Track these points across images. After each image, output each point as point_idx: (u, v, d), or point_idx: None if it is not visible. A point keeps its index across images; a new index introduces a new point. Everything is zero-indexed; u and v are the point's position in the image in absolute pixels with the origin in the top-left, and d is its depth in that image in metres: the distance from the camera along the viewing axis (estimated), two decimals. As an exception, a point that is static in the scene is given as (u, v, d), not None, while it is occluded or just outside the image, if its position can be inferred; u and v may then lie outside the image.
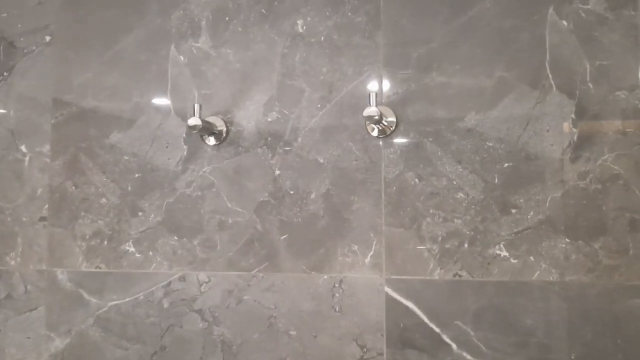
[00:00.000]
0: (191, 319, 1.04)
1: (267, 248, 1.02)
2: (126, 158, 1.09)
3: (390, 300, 0.95)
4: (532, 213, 0.91)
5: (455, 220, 0.94)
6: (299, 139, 1.01)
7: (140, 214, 1.08)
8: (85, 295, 1.10)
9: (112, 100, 1.10)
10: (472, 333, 0.91)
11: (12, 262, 1.14)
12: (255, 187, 1.03)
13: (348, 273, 0.98)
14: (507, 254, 0.91)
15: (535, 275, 0.90)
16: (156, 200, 1.07)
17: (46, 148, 1.13)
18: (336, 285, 0.98)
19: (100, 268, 1.09)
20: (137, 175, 1.08)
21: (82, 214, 1.10)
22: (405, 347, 0.94)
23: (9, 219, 1.15)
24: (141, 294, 1.07)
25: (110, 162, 1.09)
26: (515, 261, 0.91)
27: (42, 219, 1.13)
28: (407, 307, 0.94)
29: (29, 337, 1.12)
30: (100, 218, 1.09)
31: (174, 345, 1.04)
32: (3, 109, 1.16)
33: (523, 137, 0.92)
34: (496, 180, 0.92)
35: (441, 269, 0.94)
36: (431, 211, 0.95)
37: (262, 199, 1.02)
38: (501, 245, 0.92)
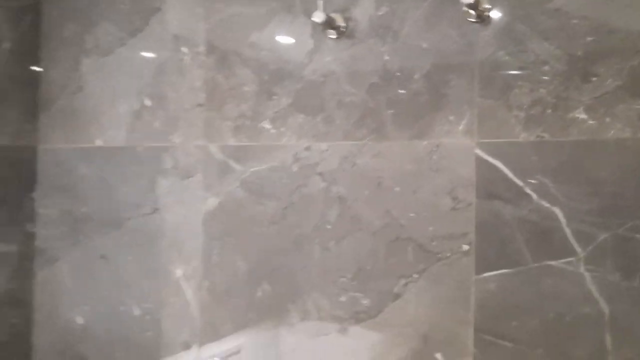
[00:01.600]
0: (314, 181, 1.28)
1: (376, 121, 1.22)
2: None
3: (480, 160, 1.12)
4: (610, 80, 1.03)
5: (540, 90, 1.08)
6: (405, 29, 1.20)
7: (274, 97, 1.33)
8: (232, 164, 1.38)
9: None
10: (550, 185, 1.07)
11: (177, 140, 1.45)
12: (368, 71, 1.23)
13: (444, 139, 1.16)
14: (585, 117, 1.05)
15: (611, 133, 1.03)
16: (287, 86, 1.31)
17: (202, 48, 1.42)
18: (434, 149, 1.17)
19: (243, 142, 1.36)
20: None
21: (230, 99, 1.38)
22: (491, 198, 1.11)
23: (174, 106, 1.45)
24: (275, 161, 1.33)
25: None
26: (593, 122, 1.04)
27: (199, 105, 1.42)
28: (494, 166, 1.11)
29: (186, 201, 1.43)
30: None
31: (301, 201, 1.30)
32: (168, 16, 1.46)
33: (606, 12, 1.03)
34: (579, 53, 1.05)
35: (526, 132, 1.09)
36: (519, 83, 1.10)
37: (373, 81, 1.23)
38: (581, 109, 1.05)
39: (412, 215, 1.18)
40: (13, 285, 1.62)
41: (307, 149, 1.29)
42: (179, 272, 1.45)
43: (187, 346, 1.43)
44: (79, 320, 1.59)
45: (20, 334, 1.64)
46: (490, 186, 1.11)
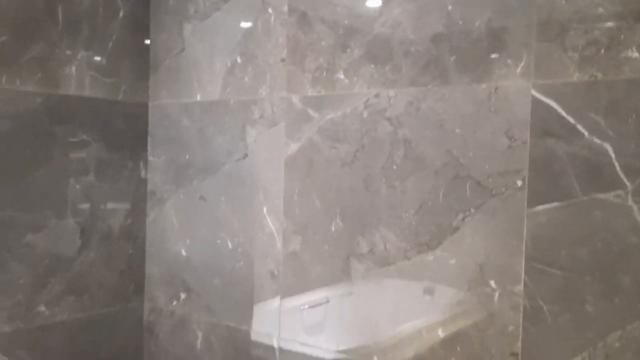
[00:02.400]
0: (382, 125, 1.41)
1: (439, 68, 1.32)
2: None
3: (535, 100, 1.19)
4: (664, 17, 1.06)
5: (594, 31, 1.13)
6: (468, -20, 1.28)
7: (348, 50, 1.46)
8: (310, 112, 1.53)
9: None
10: (602, 122, 1.12)
11: (263, 93, 1.63)
12: (433, 21, 1.33)
13: (502, 82, 1.24)
14: (638, 55, 1.08)
15: (663, 70, 1.06)
16: (359, 39, 1.44)
17: (285, 9, 1.57)
18: (492, 92, 1.25)
19: (320, 92, 1.51)
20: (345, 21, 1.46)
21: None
22: (545, 136, 1.18)
23: (261, 62, 1.63)
24: (348, 109, 1.46)
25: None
26: (645, 60, 1.07)
27: (282, 60, 1.58)
28: (549, 105, 1.18)
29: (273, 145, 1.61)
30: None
31: (370, 144, 1.43)
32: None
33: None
34: (633, -6, 1.09)
35: (580, 72, 1.14)
36: (574, 25, 1.15)
37: (437, 31, 1.32)
38: (633, 49, 1.09)
39: (470, 154, 1.28)
40: (130, 223, 1.90)
41: (377, 96, 1.42)
42: (265, 210, 1.64)
43: (272, 274, 1.62)
44: (183, 252, 1.84)
45: (135, 264, 1.92)
46: (544, 125, 1.18)
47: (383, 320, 1.42)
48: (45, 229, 1.66)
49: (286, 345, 1.59)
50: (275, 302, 1.61)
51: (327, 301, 1.54)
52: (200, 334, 1.79)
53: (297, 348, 1.57)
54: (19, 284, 1.61)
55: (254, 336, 1.66)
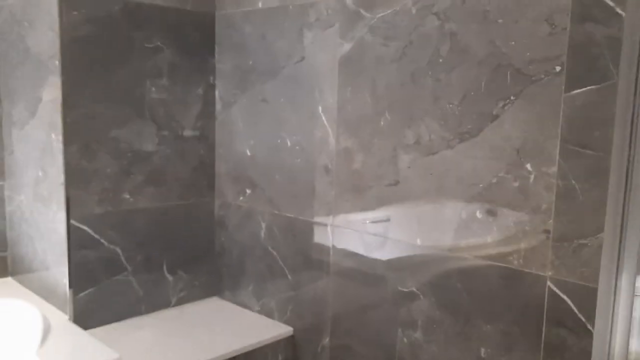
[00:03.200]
0: (430, 20, 1.47)
1: (486, -40, 1.36)
2: None
3: (577, -14, 1.22)
4: None
5: None
6: None
7: (399, -52, 1.51)
8: (362, 12, 1.61)
9: None
10: (642, 3, 1.13)
11: None
12: None
13: (546, -30, 1.26)
14: None
15: None
16: (410, -63, 1.49)
17: None
18: (536, -20, 1.28)
19: (372, -9, 1.58)
20: None
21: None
22: (584, 21, 1.21)
23: None
24: (397, 6, 1.53)
25: None
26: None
27: None
28: (590, -10, 1.20)
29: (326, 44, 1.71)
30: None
31: (418, 40, 1.50)
32: None
33: None
34: None
35: None
36: None
37: None
38: None
39: (512, 43, 1.33)
40: (200, 125, 2.09)
41: (425, -8, 1.47)
42: (320, 108, 1.76)
43: (326, 169, 1.76)
44: (248, 152, 2.01)
45: (206, 163, 2.12)
46: (584, 9, 1.21)
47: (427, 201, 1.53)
48: (127, 125, 1.87)
49: (338, 228, 1.74)
50: (330, 194, 1.75)
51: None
52: (263, 224, 1.98)
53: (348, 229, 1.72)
54: (106, 172, 1.84)
55: (310, 224, 1.82)
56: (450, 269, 1.49)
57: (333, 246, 1.77)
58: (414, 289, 1.57)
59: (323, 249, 1.79)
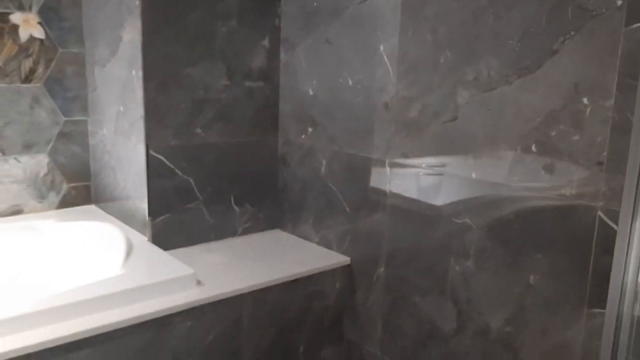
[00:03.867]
0: (493, -43, 1.50)
1: None
2: None
3: None
4: None
5: None
6: None
7: None
8: (427, -49, 1.65)
9: None
10: None
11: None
12: None
13: None
14: None
15: None
16: None
17: None
18: None
19: None
20: None
21: None
22: (650, -47, 1.22)
23: None
24: (462, -56, 1.56)
25: None
26: None
27: None
28: None
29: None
30: None
31: (480, -23, 1.53)
32: None
33: None
34: None
35: None
36: None
37: None
38: None
39: (575, -22, 1.35)
40: (266, 66, 2.19)
41: None
42: (382, 47, 1.83)
43: (387, 107, 1.84)
44: (310, 91, 2.11)
45: (270, 103, 2.24)
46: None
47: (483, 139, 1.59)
48: (200, 64, 2.00)
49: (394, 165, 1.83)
50: (389, 131, 1.83)
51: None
52: (324, 161, 2.09)
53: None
54: (180, 108, 1.99)
55: (369, 161, 1.92)
56: (504, 201, 1.56)
57: (390, 181, 1.86)
58: (468, 220, 1.65)
59: (381, 184, 1.89)
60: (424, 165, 1.76)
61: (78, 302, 1.50)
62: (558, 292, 1.46)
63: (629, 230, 1.28)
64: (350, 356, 2.07)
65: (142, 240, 1.98)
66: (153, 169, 1.96)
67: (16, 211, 2.17)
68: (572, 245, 1.42)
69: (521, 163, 1.50)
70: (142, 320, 1.55)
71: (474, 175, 1.62)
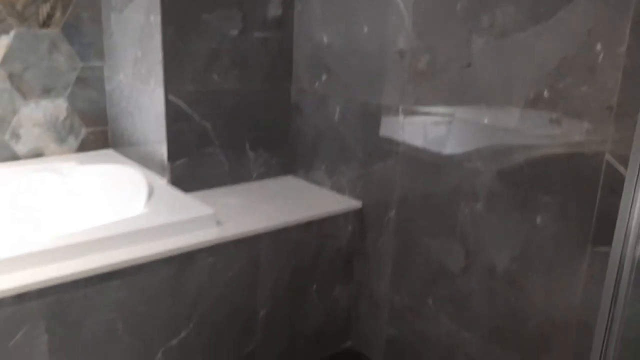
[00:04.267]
0: None
1: None
2: None
3: None
4: None
5: None
6: None
7: None
8: None
9: None
10: None
11: None
12: None
13: None
14: None
15: None
16: None
17: None
18: None
19: None
20: None
21: None
22: None
23: None
24: None
25: None
26: None
27: None
28: None
29: None
30: None
31: None
32: None
33: None
34: None
35: None
36: None
37: None
38: None
39: None
40: (281, 15, 2.21)
41: None
42: (398, -5, 1.85)
43: (402, 54, 1.88)
44: (325, 39, 2.14)
45: (285, 51, 2.27)
46: None
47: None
48: (216, 11, 2.03)
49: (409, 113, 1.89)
50: (403, 77, 1.88)
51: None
52: (337, 108, 2.14)
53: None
54: (198, 53, 2.02)
55: (382, 108, 1.97)
56: (514, 147, 1.62)
57: (403, 128, 1.92)
58: (478, 165, 1.71)
59: (393, 131, 1.95)
60: (436, 112, 1.81)
61: (107, 237, 1.57)
62: (564, 232, 1.54)
63: (636, 172, 1.34)
64: (360, 295, 2.17)
65: (161, 183, 2.05)
66: (171, 113, 2.01)
67: (38, 154, 2.23)
68: (579, 188, 1.49)
69: (533, 109, 1.56)
70: (168, 255, 1.63)
71: (485, 121, 1.68)
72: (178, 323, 1.71)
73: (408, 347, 2.03)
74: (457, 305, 1.83)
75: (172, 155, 2.05)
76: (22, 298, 1.40)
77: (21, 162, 2.18)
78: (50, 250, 1.48)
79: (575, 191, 1.50)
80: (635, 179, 1.32)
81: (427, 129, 1.85)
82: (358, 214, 2.11)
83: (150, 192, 1.91)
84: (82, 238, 1.54)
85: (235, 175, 2.23)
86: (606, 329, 0.98)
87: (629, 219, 1.37)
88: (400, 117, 1.92)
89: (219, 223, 1.82)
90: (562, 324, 1.57)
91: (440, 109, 1.80)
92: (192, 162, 2.10)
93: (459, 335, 1.84)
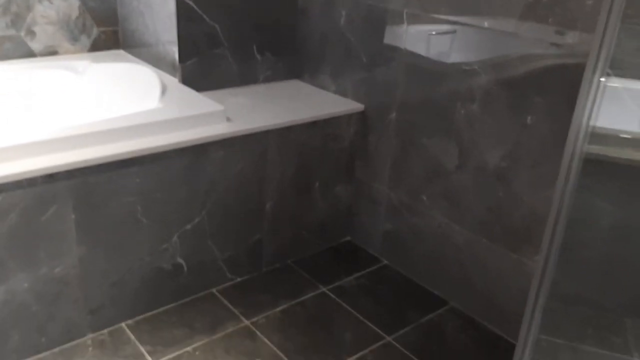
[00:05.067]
0: None
1: None
2: None
3: None
4: None
5: None
6: None
7: None
8: None
9: None
10: None
11: None
12: None
13: None
14: None
15: None
16: None
17: None
18: None
19: None
20: None
21: None
22: None
23: None
24: None
25: None
26: None
27: None
28: None
29: None
30: None
31: None
32: None
33: None
34: None
35: None
36: None
37: None
38: None
39: None
40: None
41: None
42: None
43: (407, -43, 1.91)
44: (333, -59, 2.15)
45: (292, -47, 2.28)
46: None
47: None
48: None
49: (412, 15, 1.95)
50: (408, -21, 1.92)
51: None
52: (343, 12, 2.19)
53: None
54: (207, -47, 2.05)
55: (387, 12, 2.03)
56: (512, 49, 1.70)
57: (406, 30, 1.98)
58: (476, 67, 1.80)
59: (397, 34, 2.01)
60: (439, 19, 1.87)
61: (126, 127, 1.69)
62: (551, 131, 1.65)
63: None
64: (359, 193, 2.32)
65: (173, 81, 2.14)
66: (182, 13, 2.07)
67: (52, 52, 2.31)
68: (570, 90, 1.58)
69: (532, 12, 1.62)
70: (181, 146, 1.76)
71: (486, 24, 1.75)
72: (192, 210, 1.87)
73: (402, 240, 2.20)
74: (450, 200, 1.98)
75: (183, 55, 2.13)
76: (53, 178, 1.54)
77: (37, 59, 2.26)
78: (75, 136, 1.60)
79: (564, 92, 1.60)
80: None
81: (429, 34, 1.92)
82: (360, 116, 2.21)
83: (163, 90, 2.01)
84: (103, 127, 1.66)
85: (243, 77, 2.32)
86: (556, 215, 1.12)
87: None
88: (405, 21, 1.97)
89: (228, 119, 1.93)
90: (544, 217, 1.72)
91: (442, 16, 1.86)
92: (202, 62, 2.18)
93: (449, 228, 2.00)
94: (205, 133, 1.81)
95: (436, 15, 1.87)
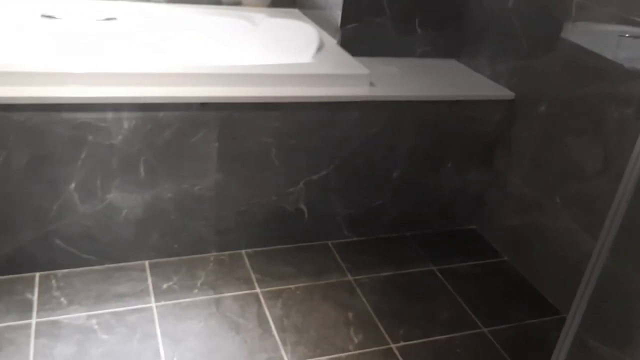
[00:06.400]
0: None
1: None
2: None
3: None
4: None
5: None
6: None
7: None
8: None
9: None
10: None
11: None
12: None
13: None
14: None
15: None
16: None
17: None
18: None
19: None
20: None
21: None
22: None
23: None
24: None
25: None
26: None
27: None
28: None
29: None
30: None
31: None
32: None
33: None
34: None
35: None
36: None
37: None
38: None
39: None
40: None
41: None
42: None
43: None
44: None
45: None
46: None
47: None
48: None
49: None
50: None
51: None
52: (513, -5, 2.12)
53: None
54: None
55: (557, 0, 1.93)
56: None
57: (573, 22, 1.87)
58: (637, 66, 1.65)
59: (563, 24, 1.90)
60: (609, 13, 1.73)
61: (276, 74, 1.86)
62: None
63: None
64: (494, 183, 2.26)
65: (332, 43, 2.27)
66: (352, -21, 2.18)
67: (236, 2, 2.57)
68: None
69: None
70: (321, 100, 1.88)
71: (661, 22, 1.59)
72: (321, 162, 1.99)
73: (526, 239, 2.12)
74: (584, 206, 1.86)
75: (345, 19, 2.24)
76: (205, 107, 1.76)
77: (222, 7, 2.53)
78: (230, 74, 1.80)
79: None
80: None
81: (598, 30, 1.79)
82: (508, 105, 2.15)
83: (320, 48, 2.15)
84: (256, 70, 1.84)
85: (400, 48, 2.37)
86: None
87: None
88: (573, 13, 1.86)
89: (372, 84, 2.01)
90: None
91: (613, 10, 1.72)
92: (362, 28, 2.28)
93: (578, 235, 1.88)
94: (344, 92, 1.91)
95: (605, 10, 1.74)
